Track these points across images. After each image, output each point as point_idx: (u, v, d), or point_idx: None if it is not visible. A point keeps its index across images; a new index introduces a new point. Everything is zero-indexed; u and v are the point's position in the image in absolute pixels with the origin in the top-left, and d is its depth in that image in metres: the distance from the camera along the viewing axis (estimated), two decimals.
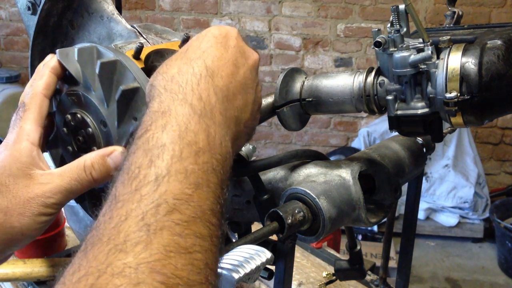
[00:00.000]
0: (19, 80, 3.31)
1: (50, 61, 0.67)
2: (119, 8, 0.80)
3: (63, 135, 0.71)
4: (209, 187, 0.46)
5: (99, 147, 0.66)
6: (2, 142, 0.63)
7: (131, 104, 0.63)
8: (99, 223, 0.42)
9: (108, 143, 0.66)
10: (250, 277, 0.58)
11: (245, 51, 0.61)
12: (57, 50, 0.66)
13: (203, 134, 0.49)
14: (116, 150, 0.63)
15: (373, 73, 0.65)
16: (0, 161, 0.60)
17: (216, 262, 0.44)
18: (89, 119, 0.67)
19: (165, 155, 0.45)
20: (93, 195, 0.75)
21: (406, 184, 0.85)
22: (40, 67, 0.69)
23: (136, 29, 0.75)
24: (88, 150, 0.68)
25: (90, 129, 0.66)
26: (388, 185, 0.69)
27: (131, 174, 0.45)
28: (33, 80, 0.67)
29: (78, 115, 0.67)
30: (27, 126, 0.62)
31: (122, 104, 0.63)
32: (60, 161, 0.75)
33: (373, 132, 3.35)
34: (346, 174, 0.65)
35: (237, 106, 0.57)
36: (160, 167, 0.44)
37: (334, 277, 0.87)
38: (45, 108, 0.65)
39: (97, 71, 0.63)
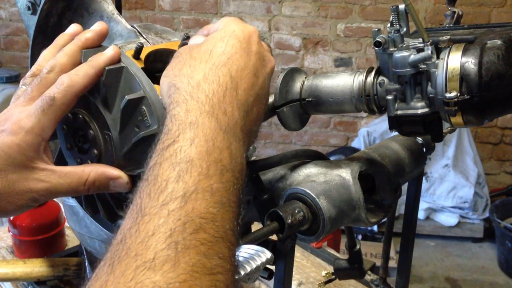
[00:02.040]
0: (19, 80, 3.31)
1: (101, 59, 0.62)
2: (119, 8, 0.80)
3: (63, 132, 0.71)
4: (230, 206, 0.46)
5: (99, 151, 0.66)
6: (14, 118, 0.59)
7: (135, 112, 0.63)
8: (124, 236, 0.42)
9: (108, 148, 0.66)
10: (250, 277, 0.58)
11: (264, 57, 0.60)
12: (83, 51, 0.64)
13: (227, 151, 0.48)
14: (121, 178, 0.63)
15: (373, 73, 0.65)
16: (6, 146, 0.58)
17: (234, 282, 0.43)
18: (91, 122, 0.66)
19: (193, 171, 0.45)
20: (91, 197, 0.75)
21: (406, 184, 0.85)
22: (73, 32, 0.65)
23: (136, 29, 0.75)
24: (87, 152, 0.68)
25: (91, 132, 0.66)
26: (388, 185, 0.69)
27: (158, 187, 0.44)
28: (72, 72, 0.61)
29: (80, 116, 0.67)
30: (46, 122, 0.59)
31: (126, 113, 0.63)
32: (57, 155, 0.75)
33: (373, 132, 3.35)
34: (346, 174, 0.65)
35: (252, 119, 0.56)
36: (188, 183, 0.44)
37: (333, 276, 0.88)
38: (71, 107, 0.61)
39: (103, 78, 0.63)
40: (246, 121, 0.54)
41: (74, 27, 0.68)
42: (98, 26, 0.66)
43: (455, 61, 0.57)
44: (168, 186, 0.44)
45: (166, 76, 0.57)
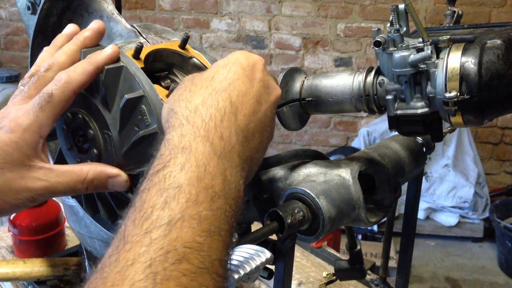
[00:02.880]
0: (19, 80, 3.30)
1: (99, 57, 0.62)
2: (118, 7, 0.80)
3: (63, 132, 0.71)
4: (220, 235, 0.44)
5: (98, 150, 0.66)
6: (11, 115, 0.58)
7: (134, 111, 0.63)
8: (104, 264, 0.40)
9: (107, 148, 0.66)
10: (250, 277, 0.58)
11: (269, 85, 0.59)
12: (83, 51, 0.64)
13: (220, 177, 0.47)
14: (120, 176, 0.62)
15: (372, 73, 0.65)
16: (4, 144, 0.57)
17: None
18: (91, 122, 0.66)
19: (181, 198, 0.43)
20: (90, 195, 0.75)
21: (406, 183, 0.85)
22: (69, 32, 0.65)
23: (136, 29, 0.75)
24: (87, 151, 0.68)
25: (91, 131, 0.66)
26: (387, 184, 0.69)
27: (143, 214, 0.43)
28: (70, 69, 0.60)
29: (80, 116, 0.67)
30: (43, 119, 0.58)
31: (125, 112, 0.63)
32: (58, 155, 0.75)
33: (373, 132, 3.35)
34: (345, 174, 0.65)
35: (253, 147, 0.55)
36: (174, 210, 0.42)
37: (334, 277, 0.87)
38: (69, 104, 0.61)
39: (102, 77, 0.63)
40: (246, 147, 0.53)
41: (71, 27, 0.67)
42: (95, 24, 0.66)
43: (455, 60, 0.57)
44: (154, 213, 0.42)
45: (167, 102, 0.56)
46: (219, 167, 0.47)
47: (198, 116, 0.51)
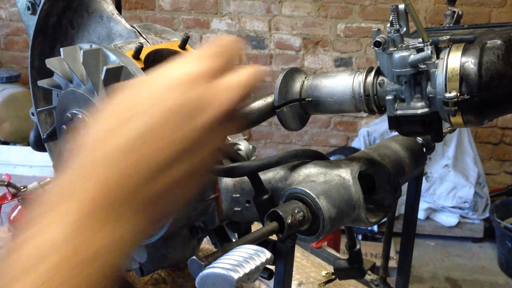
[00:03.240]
0: (19, 80, 3.31)
1: None
2: (118, 8, 0.80)
3: (63, 132, 0.71)
4: None
5: None
6: None
7: None
8: None
9: None
10: (249, 277, 0.58)
11: (198, 104, 0.46)
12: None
13: (103, 232, 0.41)
14: None
15: (372, 73, 0.65)
16: None
17: None
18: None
19: (46, 264, 0.38)
20: None
21: (406, 184, 0.85)
22: None
23: (136, 29, 0.75)
24: None
25: None
26: (388, 185, 0.69)
27: (3, 283, 0.38)
28: None
29: (80, 116, 0.67)
30: None
31: None
32: (58, 156, 0.75)
33: (373, 132, 3.35)
34: (346, 174, 0.65)
35: (169, 181, 0.45)
36: (35, 282, 0.37)
37: (333, 276, 0.87)
38: None
39: (102, 77, 0.63)
40: (152, 187, 0.44)
41: None
42: None
43: (455, 61, 0.57)
44: (13, 285, 0.37)
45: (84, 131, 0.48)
46: (104, 220, 0.42)
47: (97, 154, 0.44)
